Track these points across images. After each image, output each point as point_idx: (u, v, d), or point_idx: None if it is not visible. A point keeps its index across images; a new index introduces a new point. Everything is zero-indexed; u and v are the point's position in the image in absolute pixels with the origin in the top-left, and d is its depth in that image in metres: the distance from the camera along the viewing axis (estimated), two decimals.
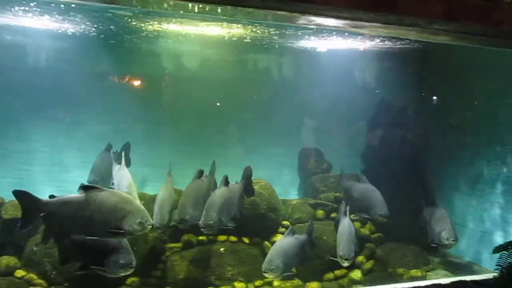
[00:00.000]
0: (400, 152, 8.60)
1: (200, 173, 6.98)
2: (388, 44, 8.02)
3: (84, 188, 5.05)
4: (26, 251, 6.27)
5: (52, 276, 6.06)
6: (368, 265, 7.23)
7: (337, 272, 6.95)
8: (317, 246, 6.85)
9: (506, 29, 5.07)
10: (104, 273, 5.21)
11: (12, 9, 6.39)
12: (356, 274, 7.00)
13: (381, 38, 7.57)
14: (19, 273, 6.07)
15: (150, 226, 5.15)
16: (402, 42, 7.77)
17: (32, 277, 6.06)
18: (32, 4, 6.09)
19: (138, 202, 5.21)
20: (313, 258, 6.90)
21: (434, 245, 7.26)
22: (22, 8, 6.32)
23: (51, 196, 5.15)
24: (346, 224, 6.69)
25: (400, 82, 9.11)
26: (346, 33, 7.23)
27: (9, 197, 6.64)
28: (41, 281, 6.04)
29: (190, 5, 4.61)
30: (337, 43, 8.25)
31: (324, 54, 9.00)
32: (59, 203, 5.02)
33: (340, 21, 4.82)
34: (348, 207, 6.95)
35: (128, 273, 5.26)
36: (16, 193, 5.09)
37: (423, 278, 7.05)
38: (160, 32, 7.66)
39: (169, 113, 8.74)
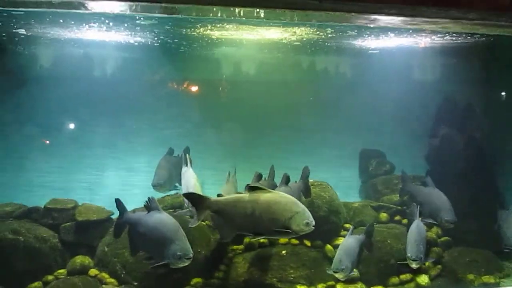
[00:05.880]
0: (467, 152, 8.21)
1: (259, 177, 7.01)
2: (448, 39, 7.68)
3: (250, 188, 5.25)
4: (98, 251, 6.63)
5: (122, 275, 6.36)
6: (436, 270, 6.95)
7: (403, 277, 6.73)
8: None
9: None
10: (164, 266, 5.42)
11: (84, 24, 6.79)
12: (423, 279, 6.74)
13: (442, 34, 7.28)
14: (92, 272, 6.42)
15: (314, 227, 5.19)
16: (465, 37, 7.42)
17: (104, 276, 6.38)
18: (104, 20, 6.47)
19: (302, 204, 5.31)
20: (377, 262, 6.74)
21: (507, 250, 6.84)
22: (96, 24, 6.71)
23: (219, 195, 5.43)
24: (415, 226, 6.48)
25: (464, 79, 8.70)
26: (403, 31, 7.02)
27: (82, 200, 7.06)
28: (112, 280, 6.35)
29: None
30: (393, 41, 8.03)
31: (382, 53, 8.79)
32: (228, 202, 5.26)
33: (400, 18, 4.70)
34: (418, 209, 6.72)
35: (186, 264, 5.40)
36: (185, 194, 5.67)
37: (497, 285, 6.70)
38: (218, 38, 7.83)
39: (226, 117, 8.90)
